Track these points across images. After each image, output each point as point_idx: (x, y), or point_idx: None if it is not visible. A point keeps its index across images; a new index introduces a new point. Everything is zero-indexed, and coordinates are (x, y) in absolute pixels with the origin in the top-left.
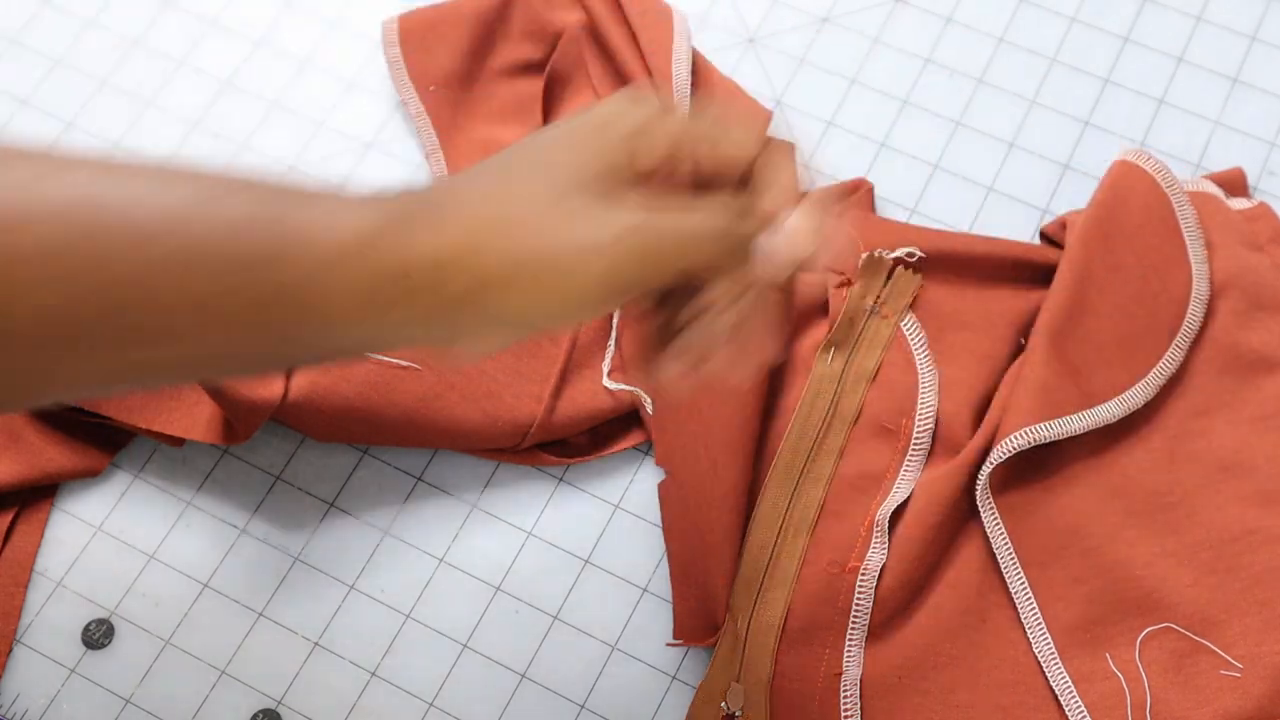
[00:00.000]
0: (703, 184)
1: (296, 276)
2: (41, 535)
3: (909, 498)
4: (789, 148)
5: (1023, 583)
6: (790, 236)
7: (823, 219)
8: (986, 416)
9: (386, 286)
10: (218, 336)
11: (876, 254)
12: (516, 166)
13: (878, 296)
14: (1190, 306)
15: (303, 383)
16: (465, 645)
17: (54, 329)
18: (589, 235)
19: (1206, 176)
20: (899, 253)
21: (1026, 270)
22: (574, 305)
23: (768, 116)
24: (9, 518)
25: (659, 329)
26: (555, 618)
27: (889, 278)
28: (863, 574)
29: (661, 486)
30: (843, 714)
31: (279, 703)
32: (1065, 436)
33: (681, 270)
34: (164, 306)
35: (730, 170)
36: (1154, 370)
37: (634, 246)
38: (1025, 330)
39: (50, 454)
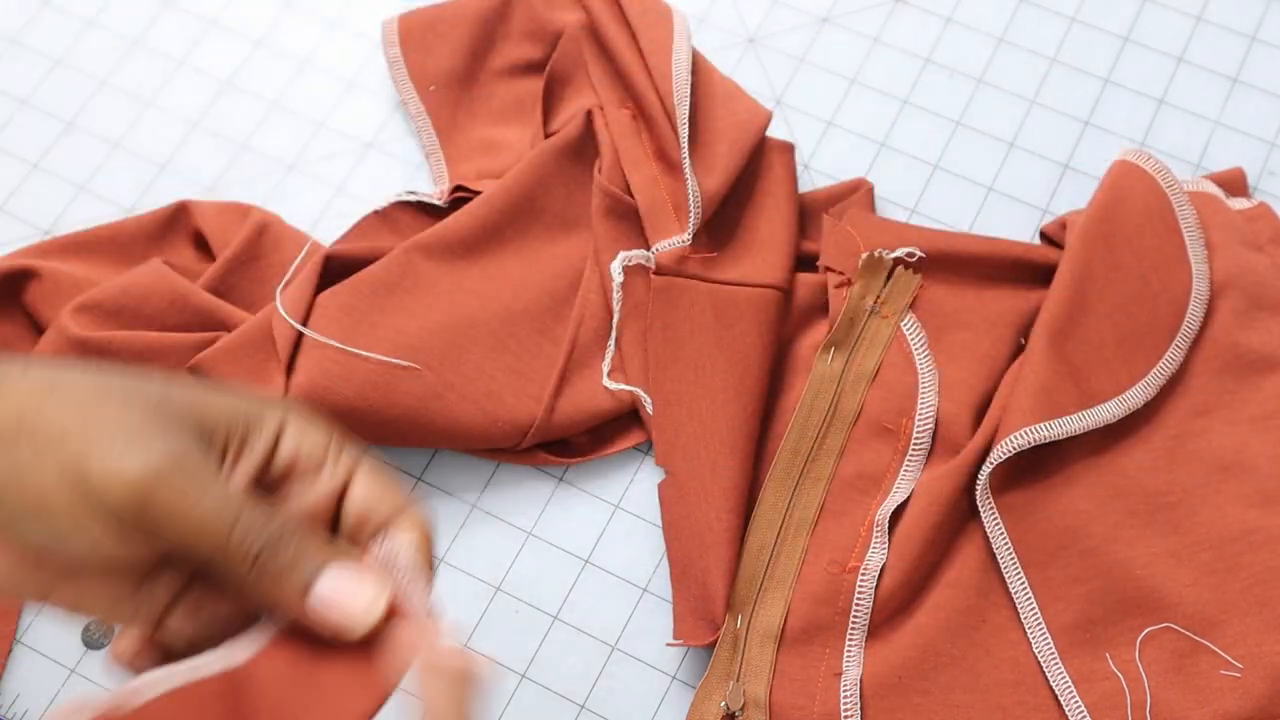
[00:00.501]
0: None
1: None
2: None
3: (909, 498)
4: (425, 537)
5: (1023, 583)
6: (341, 596)
7: (383, 604)
8: (986, 416)
9: None
10: None
11: (876, 254)
12: (139, 377)
13: (878, 296)
14: (1190, 306)
15: (303, 382)
16: (465, 645)
17: None
18: (145, 441)
19: (1206, 176)
20: (899, 253)
21: (1026, 270)
22: (64, 501)
23: (767, 116)
24: None
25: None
26: (555, 618)
27: (889, 278)
28: (863, 574)
29: (661, 486)
30: (843, 714)
31: None
32: (1065, 436)
33: (186, 544)
34: None
35: (370, 517)
36: (1154, 370)
37: (157, 472)
38: (1025, 330)
39: None
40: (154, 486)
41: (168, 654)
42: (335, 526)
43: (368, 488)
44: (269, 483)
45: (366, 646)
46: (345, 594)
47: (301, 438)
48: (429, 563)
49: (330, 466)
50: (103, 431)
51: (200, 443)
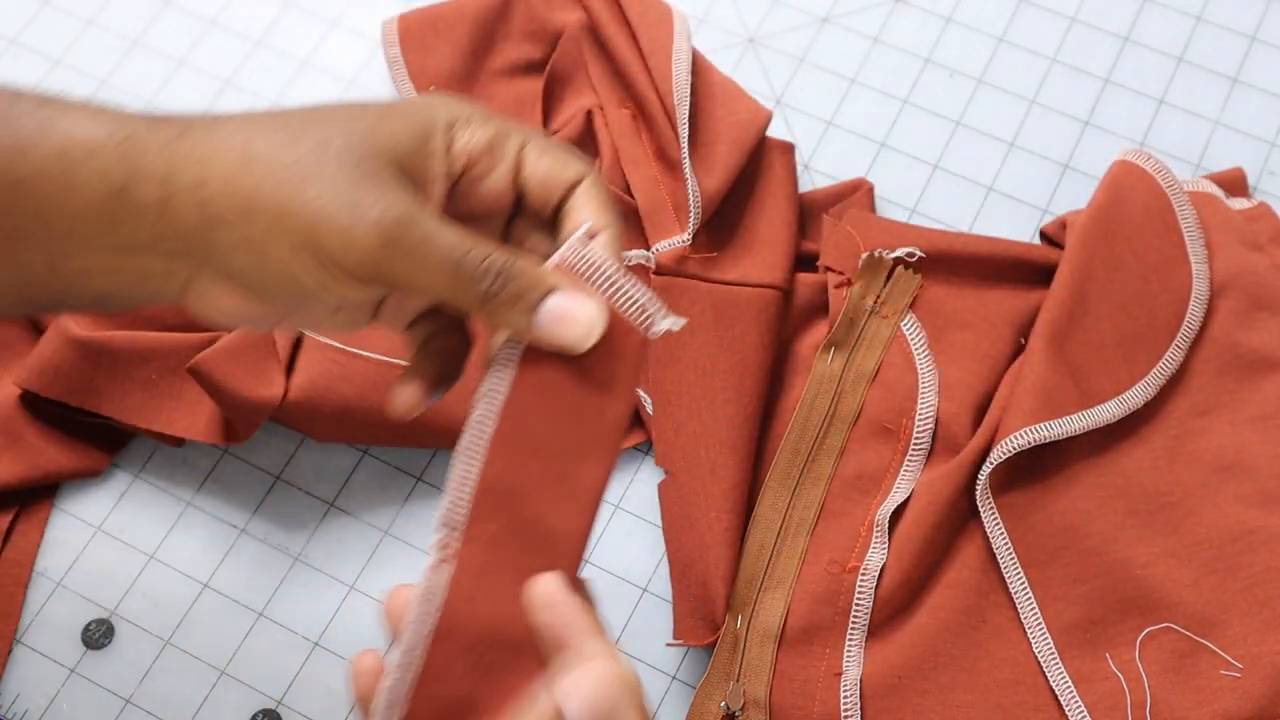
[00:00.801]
0: (482, 214)
1: (35, 170)
2: (41, 535)
3: (909, 498)
4: (606, 196)
5: (1023, 583)
6: (561, 320)
7: (601, 323)
8: (986, 416)
9: (114, 198)
10: None
11: (876, 254)
12: (316, 118)
13: (878, 296)
14: (1190, 306)
15: (303, 382)
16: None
17: None
18: (362, 201)
19: (1206, 176)
20: (899, 253)
21: (1026, 270)
22: (303, 275)
23: (767, 116)
24: (9, 518)
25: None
26: None
27: (889, 278)
28: (863, 574)
29: (661, 486)
30: (843, 714)
31: (279, 703)
32: (1065, 436)
33: (423, 290)
34: None
35: (542, 192)
36: (1154, 370)
37: (389, 233)
38: (1025, 330)
39: (50, 454)
40: (385, 250)
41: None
42: (519, 208)
43: (539, 165)
44: (457, 189)
45: (600, 354)
46: (568, 316)
47: (469, 137)
48: (618, 249)
49: (500, 153)
50: (323, 205)
51: (405, 183)
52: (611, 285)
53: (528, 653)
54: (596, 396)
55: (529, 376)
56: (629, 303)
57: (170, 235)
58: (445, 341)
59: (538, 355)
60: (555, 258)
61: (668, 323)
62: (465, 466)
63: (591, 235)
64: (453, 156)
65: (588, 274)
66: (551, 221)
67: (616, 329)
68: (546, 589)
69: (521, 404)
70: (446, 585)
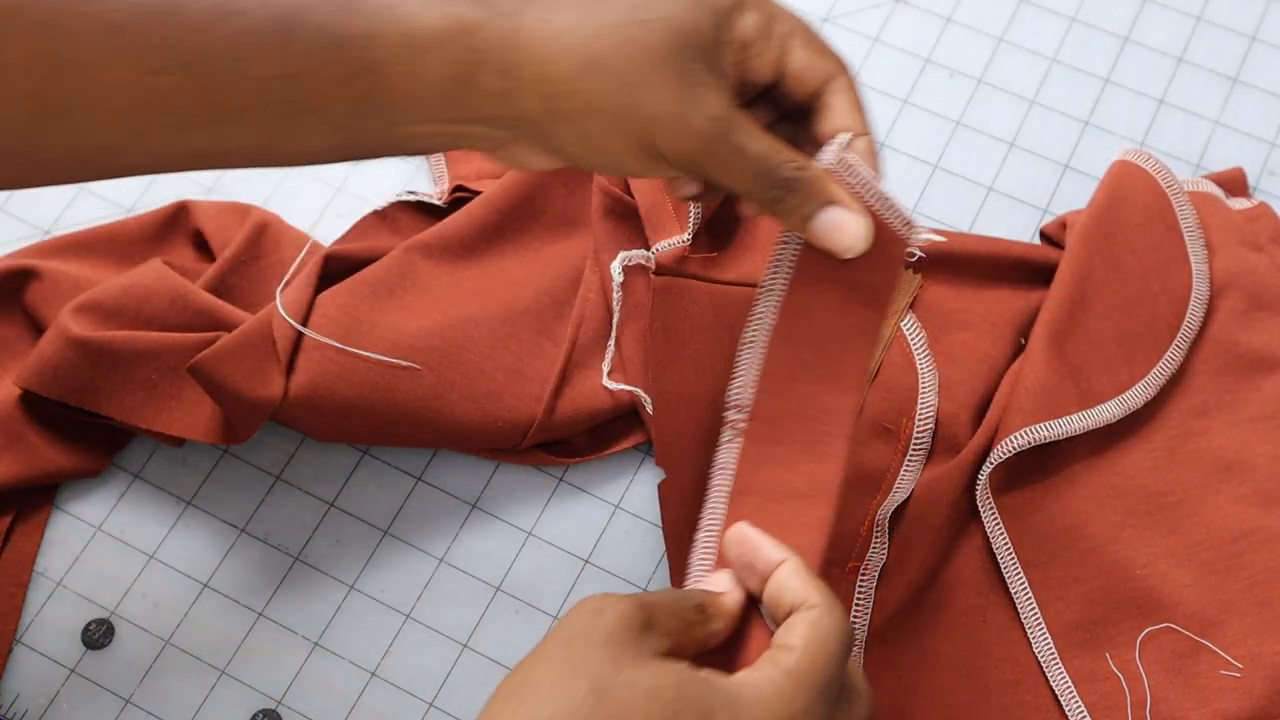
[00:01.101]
0: (752, 90)
1: (384, 56)
2: (41, 535)
3: (909, 498)
4: (859, 99)
5: (1023, 583)
6: (834, 229)
7: (868, 235)
8: (986, 416)
9: (458, 85)
10: (296, 116)
11: None
12: (641, 9)
13: None
14: (1190, 306)
15: (303, 382)
16: (465, 645)
17: (139, 101)
18: (690, 108)
19: (1206, 176)
20: None
21: (1026, 270)
22: (637, 166)
23: None
24: (9, 519)
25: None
26: (555, 618)
27: None
28: (863, 574)
29: (662, 487)
30: None
31: (279, 703)
32: (1065, 436)
33: (724, 183)
34: (252, 78)
35: (798, 82)
36: (1154, 370)
37: (709, 138)
38: (1025, 330)
39: (50, 454)
40: (705, 152)
41: None
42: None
43: (800, 55)
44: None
45: (866, 258)
46: (841, 226)
47: (747, 22)
48: (874, 152)
49: (770, 38)
50: (658, 112)
51: (718, 81)
52: (876, 197)
53: (805, 506)
54: (861, 294)
55: (804, 276)
56: (891, 213)
57: (508, 118)
58: (710, 200)
59: (812, 257)
60: (824, 163)
61: (926, 235)
62: (749, 355)
63: (853, 139)
64: (737, 43)
65: (855, 184)
66: (798, 108)
67: (881, 236)
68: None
69: (797, 301)
70: (738, 455)
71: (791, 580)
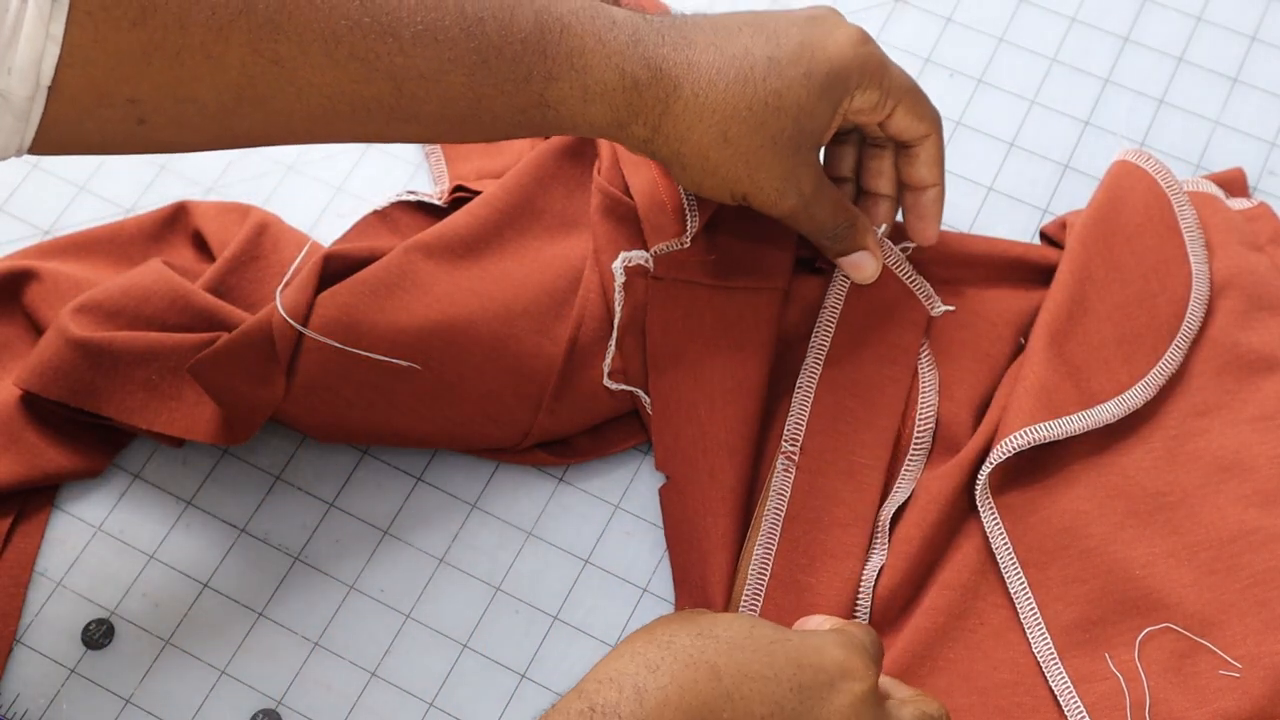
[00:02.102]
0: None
1: (560, 97)
2: (41, 536)
3: (909, 498)
4: (940, 155)
5: (1022, 583)
6: (857, 266)
7: (877, 271)
8: (986, 416)
9: (616, 128)
10: (469, 124)
11: None
12: (775, 104)
13: None
14: (1190, 306)
15: (303, 382)
16: (465, 645)
17: (334, 101)
18: (789, 186)
19: (1206, 176)
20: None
21: (1026, 270)
22: (725, 200)
23: None
24: (9, 519)
25: None
26: (555, 618)
27: None
28: (863, 575)
29: (663, 491)
30: None
31: (279, 703)
32: (1065, 436)
33: (797, 228)
34: (442, 96)
35: (894, 136)
36: (1154, 370)
37: (793, 211)
38: (1025, 330)
39: (50, 454)
40: (788, 217)
41: None
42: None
43: (901, 120)
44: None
45: (895, 325)
46: (860, 266)
47: (864, 101)
48: (940, 205)
49: (881, 109)
50: (761, 186)
51: (815, 158)
52: (905, 273)
53: (845, 535)
54: (891, 352)
55: (845, 336)
56: (916, 286)
57: (640, 150)
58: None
59: (850, 321)
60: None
61: (941, 309)
62: (803, 398)
63: (926, 188)
64: (850, 113)
65: (891, 259)
66: (892, 146)
67: (905, 303)
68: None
69: (840, 356)
70: (791, 485)
71: (828, 620)
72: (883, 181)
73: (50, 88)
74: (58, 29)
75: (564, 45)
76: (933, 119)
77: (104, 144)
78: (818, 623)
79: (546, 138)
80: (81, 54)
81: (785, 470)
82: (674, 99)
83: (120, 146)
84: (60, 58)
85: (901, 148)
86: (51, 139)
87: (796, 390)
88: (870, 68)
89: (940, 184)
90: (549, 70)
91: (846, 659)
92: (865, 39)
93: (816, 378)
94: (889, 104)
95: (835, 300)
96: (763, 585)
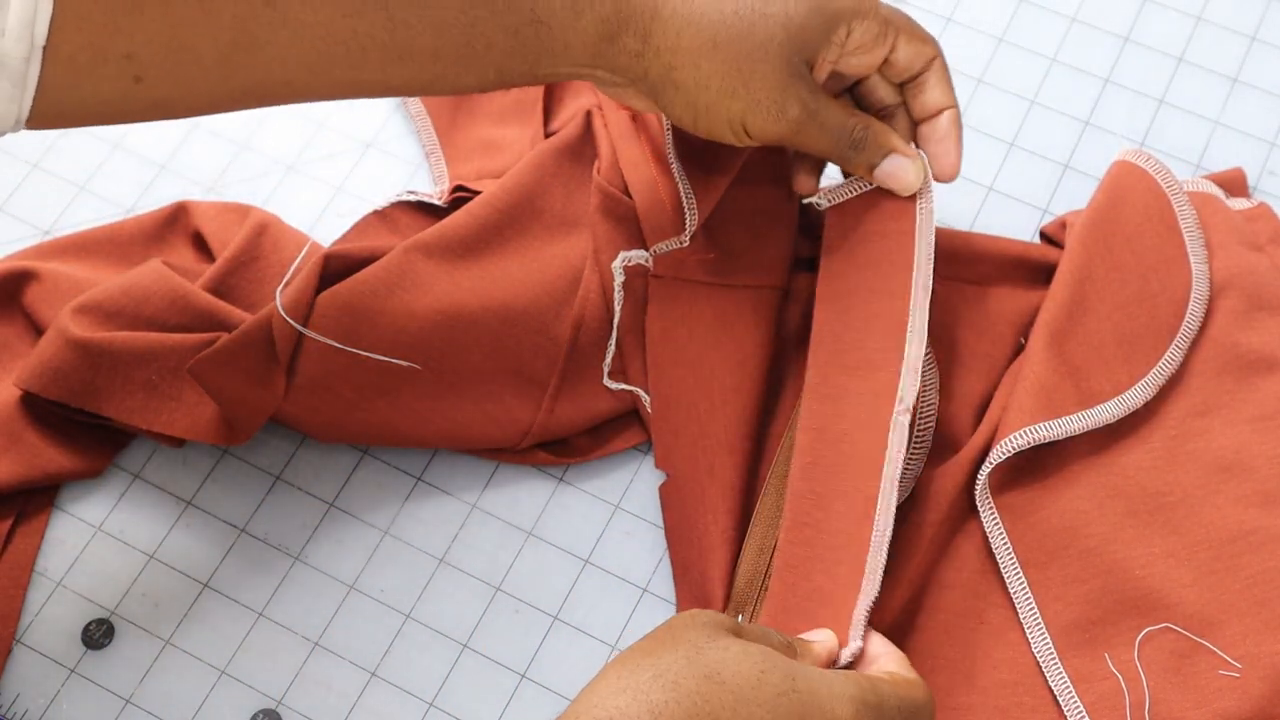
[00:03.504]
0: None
1: (550, 11)
2: (41, 537)
3: (909, 498)
4: (948, 77)
5: (1022, 583)
6: (894, 174)
7: (922, 174)
8: (986, 416)
9: (605, 41)
10: (464, 59)
11: None
12: (764, 8)
13: None
14: (1190, 306)
15: (303, 383)
16: (465, 645)
17: (328, 40)
18: (787, 97)
19: (1206, 176)
20: None
21: (1026, 270)
22: (726, 136)
23: None
24: (10, 520)
25: None
26: (555, 618)
27: None
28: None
29: (662, 489)
30: None
31: (279, 703)
32: (1064, 436)
33: (805, 149)
34: (435, 23)
35: (898, 70)
36: (1153, 370)
37: (798, 123)
38: (1025, 330)
39: (50, 455)
40: (790, 134)
41: None
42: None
43: (904, 52)
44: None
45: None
46: (898, 172)
47: (864, 32)
48: (959, 122)
49: (881, 42)
50: (757, 96)
51: (810, 78)
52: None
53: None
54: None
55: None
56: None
57: (633, 74)
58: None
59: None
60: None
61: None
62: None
63: (940, 110)
64: (847, 46)
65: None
66: (901, 105)
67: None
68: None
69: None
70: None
71: (891, 659)
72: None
73: (45, 48)
74: None
75: None
76: (932, 40)
77: (102, 107)
78: (878, 652)
79: (542, 88)
80: (74, 10)
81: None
82: (662, 4)
83: (119, 110)
84: (53, 16)
85: (908, 84)
86: (50, 106)
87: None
88: (866, 2)
89: (954, 105)
90: None
91: (856, 712)
92: None
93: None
94: (890, 33)
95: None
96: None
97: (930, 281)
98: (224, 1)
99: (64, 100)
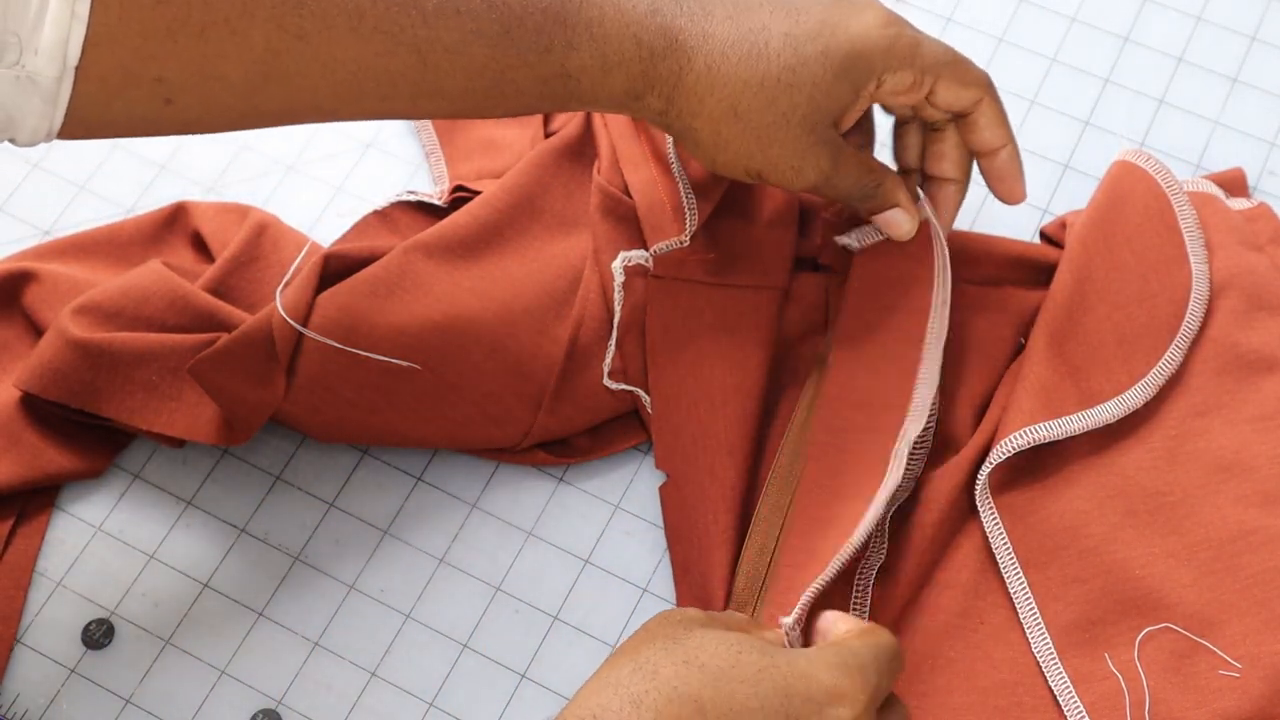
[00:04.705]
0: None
1: (579, 67)
2: (42, 538)
3: (909, 498)
4: (1003, 114)
5: (1022, 583)
6: (891, 223)
7: (914, 227)
8: (986, 416)
9: (631, 98)
10: (493, 97)
11: None
12: (789, 80)
13: None
14: (1190, 306)
15: (303, 382)
16: (465, 645)
17: (359, 76)
18: (806, 164)
19: (1206, 176)
20: None
21: (1026, 269)
22: (742, 179)
23: None
24: (10, 521)
25: None
26: (555, 618)
27: None
28: (861, 574)
29: (663, 489)
30: None
31: (279, 703)
32: (1064, 436)
33: (824, 198)
34: (467, 68)
35: (940, 112)
36: (1153, 370)
37: (814, 185)
38: (1025, 330)
39: (51, 455)
40: (808, 191)
41: None
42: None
43: (945, 95)
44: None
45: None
46: (892, 222)
47: (897, 83)
48: (1017, 160)
49: (919, 88)
50: (775, 161)
51: (836, 135)
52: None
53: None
54: (896, 365)
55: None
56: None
57: (656, 124)
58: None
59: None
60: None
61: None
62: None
63: (995, 150)
64: (878, 95)
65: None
66: (951, 125)
67: (914, 289)
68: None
69: (844, 374)
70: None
71: (844, 620)
72: (946, 165)
73: (77, 68)
74: (83, 8)
75: (583, 14)
76: (981, 82)
77: (131, 125)
78: (831, 621)
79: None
80: (107, 33)
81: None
82: (687, 70)
83: (148, 127)
84: (86, 37)
85: (960, 118)
86: (79, 122)
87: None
88: (899, 49)
89: (1010, 142)
90: (569, 39)
91: (836, 684)
92: (893, 20)
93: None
94: (927, 81)
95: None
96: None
97: (945, 330)
98: (257, 34)
99: (94, 117)
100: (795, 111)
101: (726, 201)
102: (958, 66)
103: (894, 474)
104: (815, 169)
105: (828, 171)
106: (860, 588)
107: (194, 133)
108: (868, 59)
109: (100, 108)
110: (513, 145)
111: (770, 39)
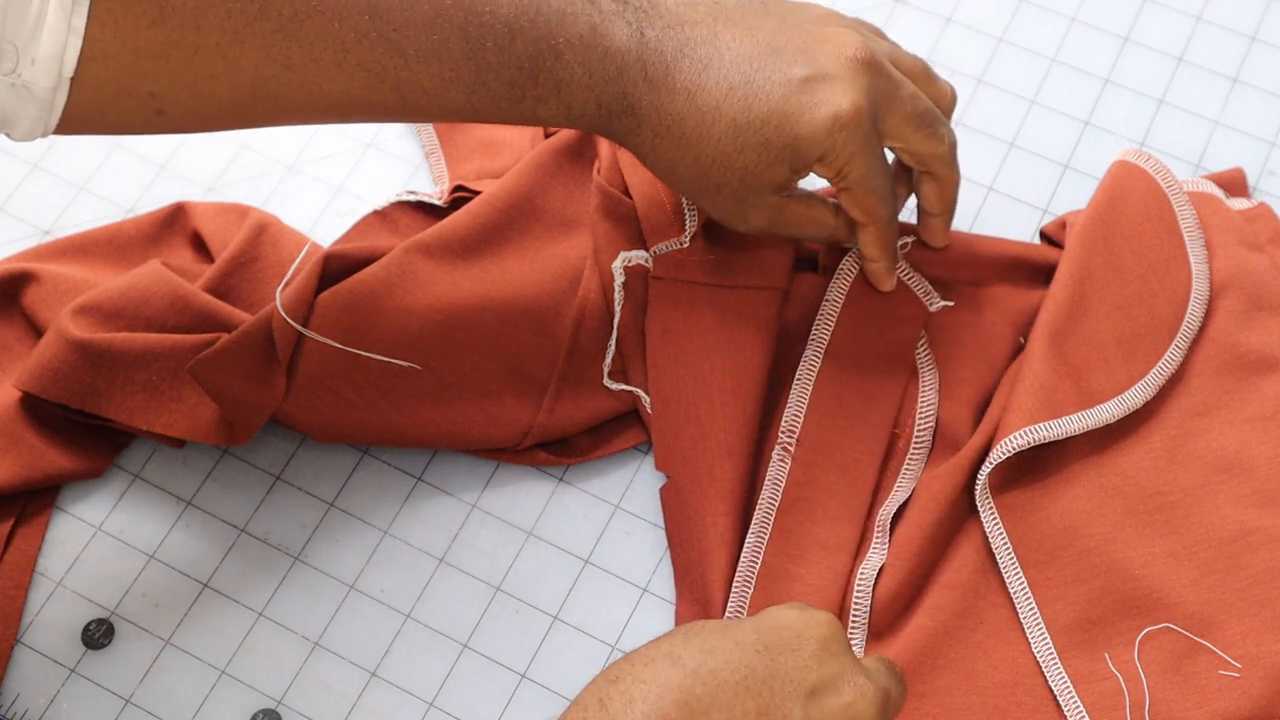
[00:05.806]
0: None
1: (545, 117)
2: (42, 538)
3: (909, 498)
4: (877, 231)
5: (1022, 583)
6: (872, 276)
7: (891, 282)
8: (986, 416)
9: (599, 112)
10: (472, 118)
11: None
12: (755, 120)
13: None
14: (1190, 306)
15: (303, 382)
16: (465, 645)
17: (345, 103)
18: (742, 218)
19: (1206, 176)
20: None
21: (1026, 270)
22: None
23: None
24: (10, 522)
25: None
26: (555, 618)
27: None
28: (862, 574)
29: (663, 491)
30: None
31: (279, 703)
32: (1064, 436)
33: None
34: (446, 108)
35: (905, 159)
36: (1153, 370)
37: (760, 230)
38: (1025, 330)
39: (51, 456)
40: (763, 230)
41: None
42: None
43: (848, 203)
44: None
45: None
46: (873, 275)
47: (821, 172)
48: (949, 217)
49: (835, 183)
50: (720, 208)
51: (774, 199)
52: (903, 271)
53: (837, 527)
54: (889, 349)
55: (845, 331)
56: (915, 284)
57: (619, 145)
58: None
59: (850, 318)
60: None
61: (939, 304)
62: (801, 391)
63: (932, 214)
64: (818, 170)
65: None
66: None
67: (903, 298)
68: None
69: (839, 351)
70: (787, 474)
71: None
72: (929, 200)
73: (72, 79)
74: (79, 22)
75: (554, 75)
76: (876, 216)
77: (123, 129)
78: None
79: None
80: (102, 49)
81: (780, 460)
82: (635, 133)
83: (140, 131)
84: (82, 52)
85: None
86: (73, 124)
87: (795, 381)
88: (834, 154)
89: (943, 214)
90: (539, 94)
91: (804, 613)
92: (847, 123)
93: (816, 370)
94: (839, 188)
95: (837, 294)
96: (753, 574)
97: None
98: (247, 60)
99: (87, 120)
100: (727, 186)
101: None
102: (868, 193)
103: (877, 553)
104: (756, 225)
105: (767, 227)
106: (861, 588)
107: (185, 133)
108: (804, 155)
109: (93, 114)
110: (513, 145)
111: (716, 123)
